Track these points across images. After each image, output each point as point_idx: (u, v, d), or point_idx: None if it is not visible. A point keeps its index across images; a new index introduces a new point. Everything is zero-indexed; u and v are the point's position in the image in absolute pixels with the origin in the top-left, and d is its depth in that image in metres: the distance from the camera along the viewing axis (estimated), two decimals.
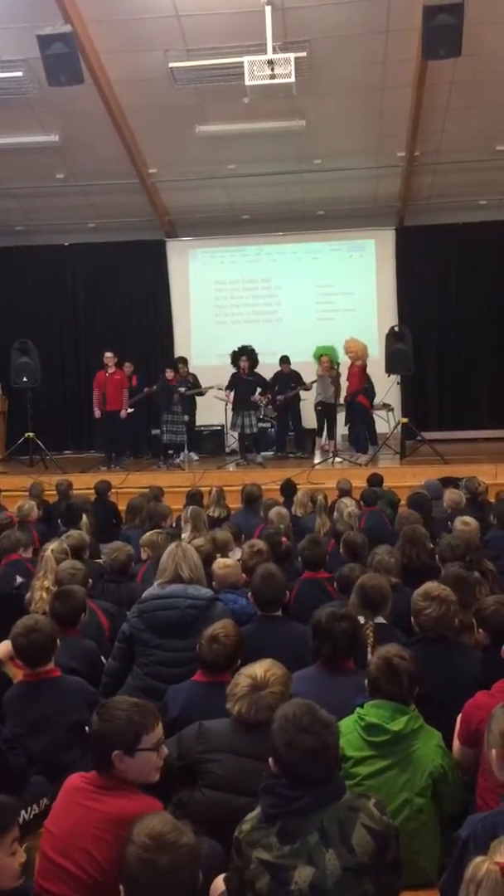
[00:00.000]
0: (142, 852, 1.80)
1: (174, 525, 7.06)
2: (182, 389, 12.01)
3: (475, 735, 2.91)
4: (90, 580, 4.78)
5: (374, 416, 12.37)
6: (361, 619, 3.70)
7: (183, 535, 5.89)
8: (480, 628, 3.60)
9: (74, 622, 3.99)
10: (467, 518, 6.06)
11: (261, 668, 2.83)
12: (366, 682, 2.92)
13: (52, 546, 5.09)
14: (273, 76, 8.47)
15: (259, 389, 12.04)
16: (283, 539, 5.83)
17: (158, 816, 1.92)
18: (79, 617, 4.02)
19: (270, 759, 2.23)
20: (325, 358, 11.75)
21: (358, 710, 2.86)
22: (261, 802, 2.20)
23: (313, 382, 12.16)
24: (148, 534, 5.92)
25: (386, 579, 4.14)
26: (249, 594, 4.23)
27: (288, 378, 12.57)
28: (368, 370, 12.02)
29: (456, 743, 3.02)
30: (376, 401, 12.29)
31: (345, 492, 8.14)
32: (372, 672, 2.88)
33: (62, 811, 2.44)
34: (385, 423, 12.78)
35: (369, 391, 12.12)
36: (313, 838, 2.09)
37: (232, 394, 12.01)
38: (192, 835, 1.86)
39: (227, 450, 13.14)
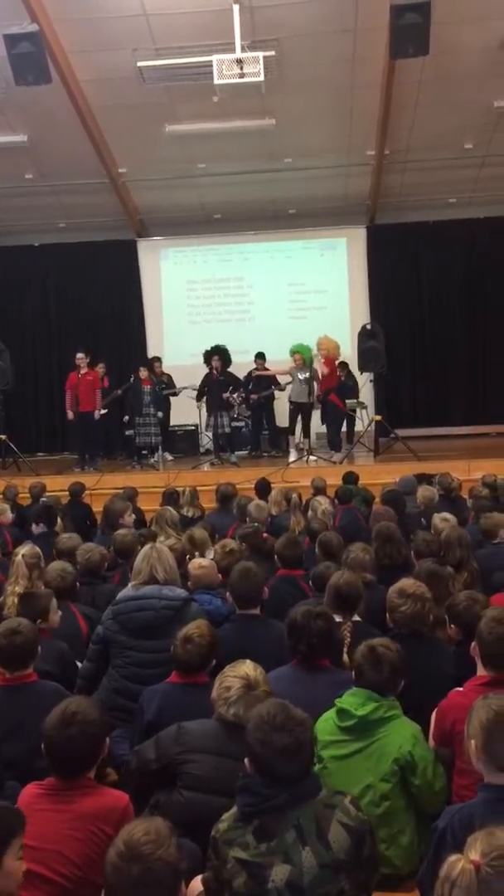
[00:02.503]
0: (116, 859, 1.79)
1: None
2: (155, 388, 11.95)
3: (449, 734, 2.93)
4: (77, 584, 4.77)
5: (349, 413, 12.41)
6: (338, 619, 3.71)
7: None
8: (452, 623, 3.62)
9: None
10: (447, 514, 6.07)
11: (248, 668, 2.82)
12: (352, 673, 2.97)
13: (23, 551, 5.03)
14: (242, 75, 8.47)
15: (231, 388, 12.02)
16: (266, 536, 5.82)
17: (145, 824, 1.86)
18: (45, 618, 4.00)
19: (246, 759, 2.23)
20: (298, 356, 11.75)
21: (337, 699, 2.91)
22: (237, 801, 2.20)
23: (288, 384, 12.15)
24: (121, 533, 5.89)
25: (360, 576, 4.15)
26: (227, 594, 4.22)
27: (261, 377, 12.56)
28: None
29: (431, 743, 3.04)
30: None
31: (319, 490, 8.15)
32: (357, 659, 2.94)
33: (27, 820, 2.42)
34: (359, 420, 12.83)
35: (345, 388, 12.16)
36: (290, 836, 2.09)
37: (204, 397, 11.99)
38: (173, 849, 1.82)
39: (202, 450, 13.11)
